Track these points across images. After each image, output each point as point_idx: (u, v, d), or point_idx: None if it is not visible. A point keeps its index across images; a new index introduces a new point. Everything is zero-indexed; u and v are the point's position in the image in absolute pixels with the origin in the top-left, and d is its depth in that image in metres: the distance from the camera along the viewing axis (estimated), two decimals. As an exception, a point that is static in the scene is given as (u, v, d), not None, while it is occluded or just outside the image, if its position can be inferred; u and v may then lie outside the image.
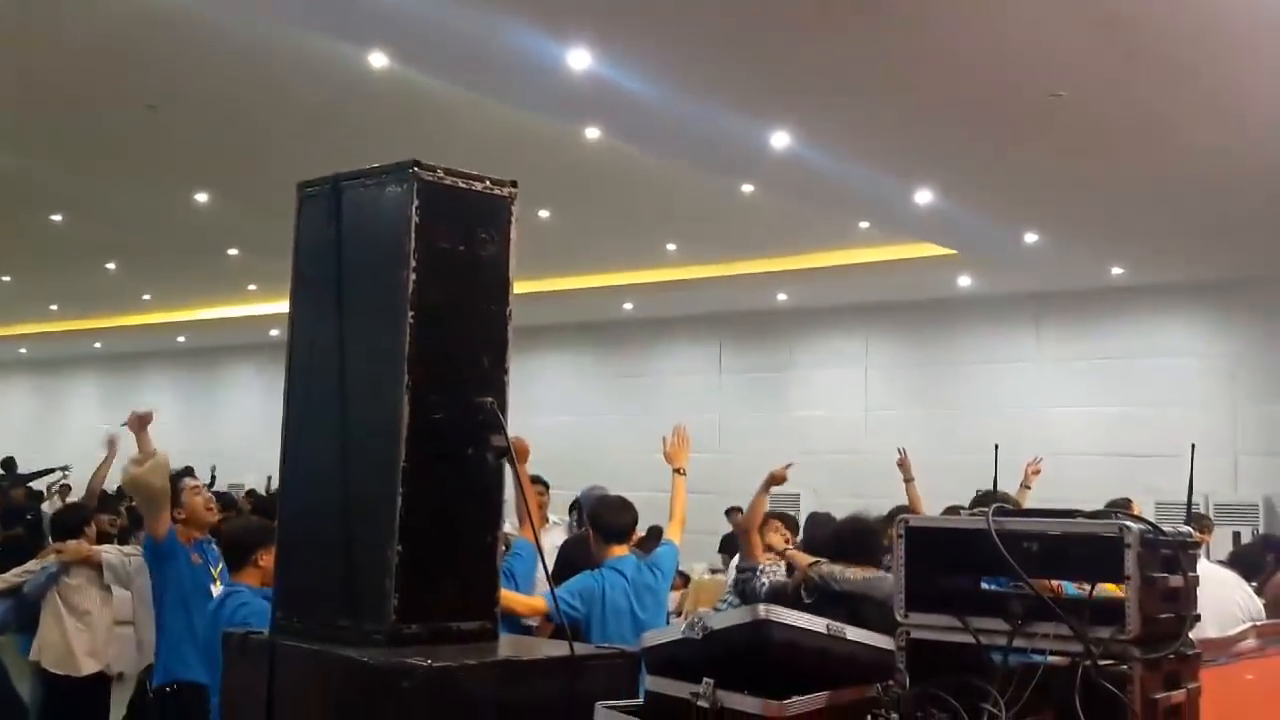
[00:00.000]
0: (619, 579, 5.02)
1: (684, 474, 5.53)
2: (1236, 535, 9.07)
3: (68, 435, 21.96)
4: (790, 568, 5.98)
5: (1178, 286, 12.76)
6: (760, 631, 2.01)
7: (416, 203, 2.86)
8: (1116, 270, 12.46)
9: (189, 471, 7.97)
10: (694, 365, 16.04)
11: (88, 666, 6.96)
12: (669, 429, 5.66)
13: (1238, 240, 10.96)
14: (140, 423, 5.79)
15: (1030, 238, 11.09)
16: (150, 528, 5.77)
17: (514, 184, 3.05)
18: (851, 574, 4.90)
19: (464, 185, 2.96)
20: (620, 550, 5.18)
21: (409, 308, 2.82)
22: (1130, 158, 8.65)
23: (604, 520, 5.29)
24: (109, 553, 6.96)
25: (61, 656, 6.93)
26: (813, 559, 5.50)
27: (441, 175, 2.93)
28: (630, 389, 16.12)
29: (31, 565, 7.23)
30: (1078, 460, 12.46)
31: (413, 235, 2.85)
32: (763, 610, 2.00)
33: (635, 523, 5.36)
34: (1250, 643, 4.37)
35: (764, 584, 5.89)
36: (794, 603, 5.22)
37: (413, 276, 2.83)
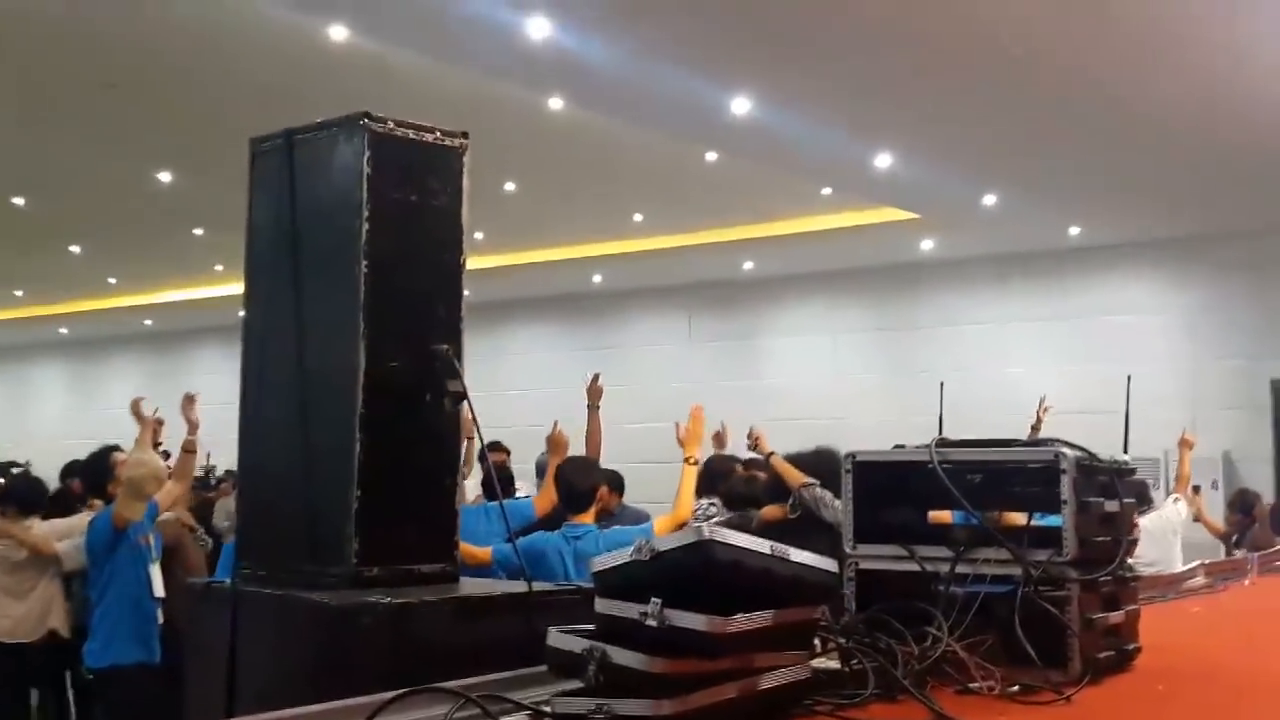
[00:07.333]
0: (564, 545, 4.75)
1: (696, 464, 5.18)
2: (1196, 489, 9.23)
3: (35, 422, 21.82)
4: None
5: (1136, 244, 12.89)
6: (705, 551, 2.06)
7: (368, 154, 2.91)
8: (1074, 230, 12.58)
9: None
10: (664, 336, 16.08)
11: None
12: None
13: (1194, 198, 11.08)
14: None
15: (989, 199, 11.18)
16: (131, 513, 5.91)
17: (465, 135, 3.10)
18: (839, 504, 4.95)
19: (415, 136, 3.02)
20: (582, 519, 4.90)
21: (362, 257, 2.88)
22: (1085, 117, 8.73)
23: (564, 483, 5.02)
24: (66, 548, 6.64)
25: None
26: (807, 480, 5.48)
27: (392, 127, 2.98)
28: (601, 360, 16.04)
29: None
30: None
31: (364, 186, 2.90)
32: (706, 530, 2.06)
33: (595, 488, 5.08)
34: (1199, 580, 4.49)
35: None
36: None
37: (365, 226, 2.89)
